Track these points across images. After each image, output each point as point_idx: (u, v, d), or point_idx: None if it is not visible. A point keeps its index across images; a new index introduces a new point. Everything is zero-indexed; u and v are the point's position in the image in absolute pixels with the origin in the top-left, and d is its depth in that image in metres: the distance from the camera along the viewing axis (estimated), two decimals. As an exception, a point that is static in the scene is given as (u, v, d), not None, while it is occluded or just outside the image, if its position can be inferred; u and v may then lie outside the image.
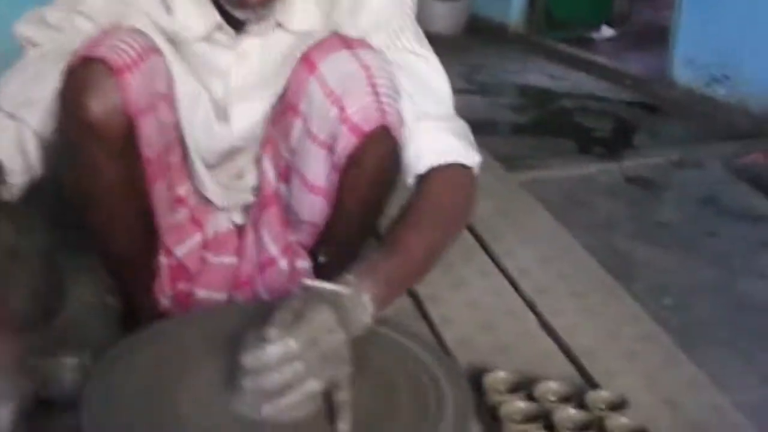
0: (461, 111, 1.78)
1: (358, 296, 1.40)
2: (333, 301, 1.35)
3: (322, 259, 1.82)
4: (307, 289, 1.37)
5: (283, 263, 1.81)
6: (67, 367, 1.55)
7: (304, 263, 1.83)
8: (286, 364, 1.24)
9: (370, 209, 1.75)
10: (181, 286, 1.84)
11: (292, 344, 1.24)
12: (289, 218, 1.82)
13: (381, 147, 1.62)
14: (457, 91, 1.78)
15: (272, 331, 1.25)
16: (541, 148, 3.70)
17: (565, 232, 2.64)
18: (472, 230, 2.59)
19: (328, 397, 1.30)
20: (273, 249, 1.82)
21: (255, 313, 1.32)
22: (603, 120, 4.20)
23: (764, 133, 4.02)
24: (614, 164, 3.50)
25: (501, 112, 4.16)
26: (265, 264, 1.83)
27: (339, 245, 1.79)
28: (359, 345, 1.36)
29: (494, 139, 3.63)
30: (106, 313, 1.86)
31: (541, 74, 4.99)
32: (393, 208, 1.71)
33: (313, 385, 1.26)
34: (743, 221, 3.07)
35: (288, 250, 1.82)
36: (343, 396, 1.29)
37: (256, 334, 1.26)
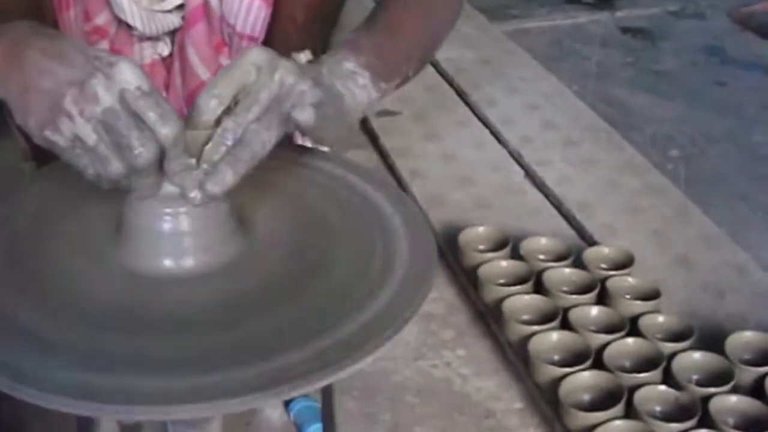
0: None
1: (342, 62, 1.11)
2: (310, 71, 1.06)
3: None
4: None
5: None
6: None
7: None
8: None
9: (320, 15, 1.42)
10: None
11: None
12: (223, 36, 1.50)
13: None
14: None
15: None
16: (526, -1, 3.34)
17: (554, 78, 2.33)
18: (448, 79, 2.28)
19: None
20: (202, 72, 1.49)
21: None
22: (593, -28, 3.82)
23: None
24: (606, 14, 3.17)
25: (483, -34, 3.79)
26: (195, 91, 1.50)
27: None
28: (287, 176, 1.05)
29: (476, -8, 3.27)
30: (23, 180, 1.58)
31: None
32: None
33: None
34: (753, 70, 2.76)
35: (220, 73, 1.49)
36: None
37: None
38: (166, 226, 0.90)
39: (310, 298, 0.89)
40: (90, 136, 0.94)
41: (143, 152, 0.91)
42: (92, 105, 0.94)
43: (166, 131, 0.92)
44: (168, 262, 0.91)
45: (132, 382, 0.77)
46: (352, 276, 0.92)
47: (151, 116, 0.92)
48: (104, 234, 0.97)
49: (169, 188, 0.91)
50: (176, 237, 0.90)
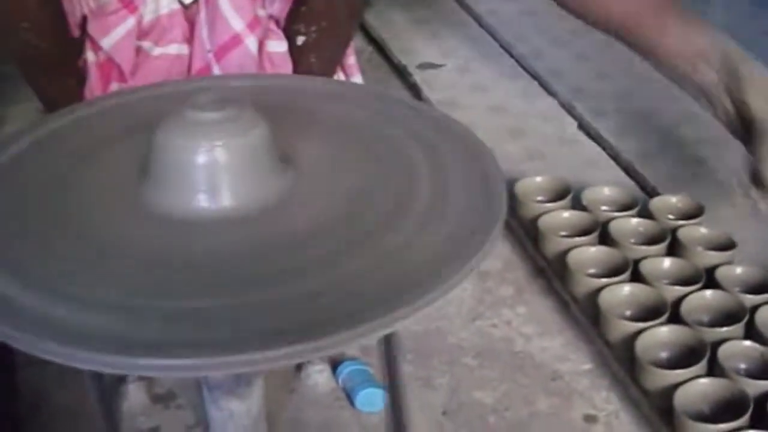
0: None
1: None
2: None
3: (300, 39, 1.39)
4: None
5: (251, 42, 1.37)
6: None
7: (277, 45, 1.40)
8: None
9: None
10: (114, 87, 1.41)
11: None
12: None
13: None
14: None
15: None
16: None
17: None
18: (490, 32, 2.17)
19: None
20: (237, 23, 1.37)
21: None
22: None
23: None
24: (650, -32, 3.02)
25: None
26: (228, 45, 1.38)
27: (320, 20, 1.36)
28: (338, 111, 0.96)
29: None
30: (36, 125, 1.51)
31: None
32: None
33: None
34: (807, 20, 2.61)
35: (256, 25, 1.38)
36: None
37: None
38: (201, 158, 0.80)
39: (364, 242, 0.78)
40: None
41: None
42: None
43: None
44: (203, 200, 0.80)
45: (168, 335, 0.68)
46: (406, 215, 0.81)
47: None
48: (131, 175, 0.86)
49: (201, 116, 0.80)
50: (212, 170, 0.80)
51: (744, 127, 1.26)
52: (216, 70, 1.38)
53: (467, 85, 1.90)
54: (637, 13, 1.40)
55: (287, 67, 1.39)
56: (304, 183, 0.86)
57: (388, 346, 0.91)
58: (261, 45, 1.39)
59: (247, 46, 1.37)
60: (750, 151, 1.23)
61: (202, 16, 1.40)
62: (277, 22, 1.42)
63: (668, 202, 1.38)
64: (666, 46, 1.34)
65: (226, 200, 0.80)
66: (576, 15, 1.48)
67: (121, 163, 0.89)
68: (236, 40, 1.38)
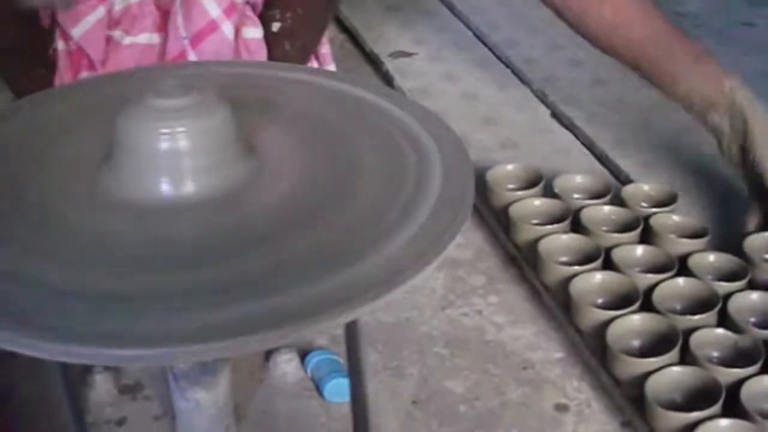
0: None
1: None
2: None
3: (276, 25, 1.39)
4: None
5: (227, 28, 1.36)
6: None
7: (253, 32, 1.39)
8: None
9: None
10: (84, 76, 1.40)
11: None
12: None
13: None
14: None
15: None
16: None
17: (577, 18, 2.19)
18: (464, 21, 2.15)
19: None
20: (214, 9, 1.36)
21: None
22: None
23: None
24: (625, -43, 3.01)
25: None
26: (204, 31, 1.37)
27: (296, 6, 1.39)
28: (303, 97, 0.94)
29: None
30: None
31: None
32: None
33: None
34: (782, 11, 2.61)
35: (232, 11, 1.36)
36: None
37: None
38: (163, 145, 0.78)
39: (328, 228, 0.77)
40: None
41: None
42: None
43: None
44: (165, 186, 0.79)
45: (130, 324, 0.66)
46: (375, 201, 0.80)
47: None
48: (94, 162, 0.84)
49: (164, 102, 0.79)
50: (174, 156, 0.79)
51: (752, 180, 1.31)
52: (192, 57, 1.37)
53: (440, 74, 1.89)
54: (643, 46, 1.39)
55: (263, 54, 1.39)
56: (266, 169, 0.84)
57: (352, 333, 0.90)
58: (237, 31, 1.38)
59: (223, 32, 1.36)
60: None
61: (178, 2, 1.38)
62: (253, 8, 1.40)
63: (641, 189, 1.38)
64: (676, 94, 1.36)
65: (188, 186, 0.79)
66: (575, 30, 1.48)
67: (85, 150, 0.88)
68: (212, 26, 1.36)
